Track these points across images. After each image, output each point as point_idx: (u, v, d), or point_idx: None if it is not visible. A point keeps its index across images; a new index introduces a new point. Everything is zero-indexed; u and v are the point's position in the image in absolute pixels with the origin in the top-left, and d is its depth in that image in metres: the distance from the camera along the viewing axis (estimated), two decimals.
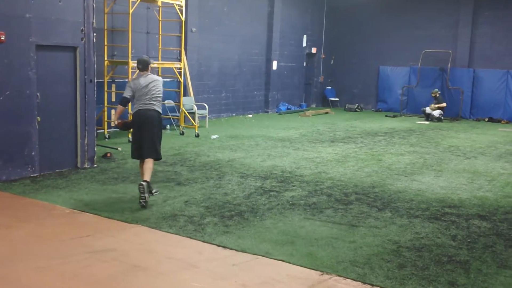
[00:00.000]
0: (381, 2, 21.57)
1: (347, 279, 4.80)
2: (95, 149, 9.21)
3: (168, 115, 13.76)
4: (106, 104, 12.31)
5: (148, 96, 7.13)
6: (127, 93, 7.25)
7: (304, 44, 21.79)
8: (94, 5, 8.87)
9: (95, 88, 9.09)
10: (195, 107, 14.48)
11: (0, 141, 7.76)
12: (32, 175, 8.17)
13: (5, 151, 7.83)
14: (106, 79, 12.39)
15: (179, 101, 13.79)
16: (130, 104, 8.29)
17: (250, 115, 18.62)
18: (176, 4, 12.96)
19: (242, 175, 8.86)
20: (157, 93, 7.20)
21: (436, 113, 18.56)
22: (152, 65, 7.43)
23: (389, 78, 21.58)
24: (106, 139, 12.03)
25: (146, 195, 6.79)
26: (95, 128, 9.35)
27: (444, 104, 18.77)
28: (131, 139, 8.44)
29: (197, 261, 5.12)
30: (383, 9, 21.65)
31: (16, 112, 7.92)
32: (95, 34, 8.96)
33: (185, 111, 13.80)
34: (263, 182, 8.39)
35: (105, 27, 12.36)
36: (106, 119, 12.32)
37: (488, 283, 4.83)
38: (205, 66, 16.62)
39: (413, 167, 10.01)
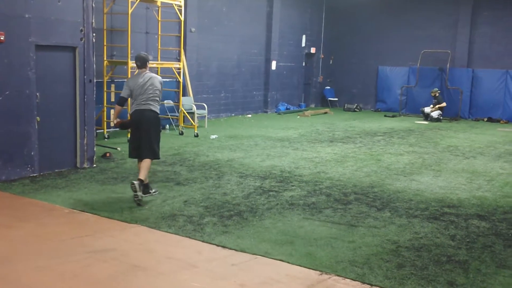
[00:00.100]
0: (380, 2, 21.58)
1: (346, 279, 4.81)
2: (95, 149, 9.21)
3: (167, 115, 13.77)
4: (105, 104, 12.31)
5: (144, 96, 7.10)
6: (124, 93, 7.24)
7: (303, 44, 21.80)
8: (93, 5, 8.87)
9: (95, 88, 9.09)
10: (194, 107, 14.48)
11: None
12: (31, 175, 8.17)
13: (4, 151, 7.83)
14: (106, 79, 12.39)
15: (178, 101, 13.79)
16: (129, 102, 8.28)
17: (249, 115, 18.62)
18: (175, 4, 12.97)
19: (241, 175, 8.87)
20: (154, 93, 7.13)
21: (435, 113, 18.57)
22: (150, 65, 7.40)
23: (388, 78, 21.59)
24: (106, 139, 12.03)
25: (139, 193, 6.81)
26: (95, 128, 9.36)
27: (443, 104, 18.79)
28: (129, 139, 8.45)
29: (197, 261, 5.13)
30: (382, 9, 21.66)
31: (16, 112, 7.92)
32: (94, 34, 8.96)
33: (184, 111, 13.81)
34: (262, 182, 8.40)
35: (105, 27, 12.36)
36: (105, 119, 12.33)
37: (487, 283, 4.84)
38: (204, 66, 16.63)
39: (412, 167, 10.03)
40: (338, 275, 4.88)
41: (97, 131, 11.39)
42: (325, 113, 20.34)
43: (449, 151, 12.03)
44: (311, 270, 4.98)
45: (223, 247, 5.52)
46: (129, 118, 7.56)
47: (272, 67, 19.67)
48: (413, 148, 12.38)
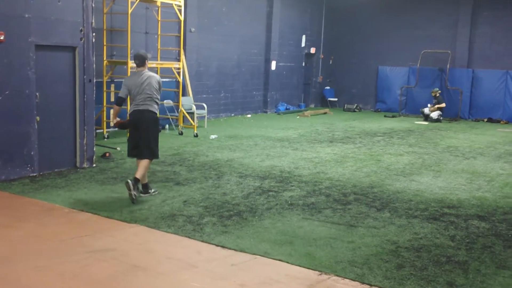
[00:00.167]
0: (380, 2, 21.58)
1: (345, 279, 4.81)
2: (94, 149, 9.21)
3: (167, 115, 13.77)
4: (105, 104, 12.31)
5: (142, 96, 7.08)
6: (122, 92, 7.23)
7: (303, 44, 21.80)
8: (93, 5, 8.87)
9: (94, 88, 9.09)
10: (194, 107, 14.48)
11: None
12: (31, 175, 8.17)
13: (4, 150, 7.83)
14: (105, 79, 12.39)
15: (178, 101, 13.79)
16: (128, 102, 8.29)
17: (249, 115, 18.62)
18: (175, 4, 12.96)
19: (241, 175, 8.87)
20: (151, 92, 7.10)
21: (435, 114, 18.57)
22: (150, 65, 7.39)
23: (388, 78, 21.59)
24: (105, 139, 12.03)
25: (133, 192, 6.84)
26: (94, 128, 9.36)
27: (443, 105, 18.78)
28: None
29: (196, 261, 5.13)
30: (382, 9, 21.66)
31: (16, 112, 7.92)
32: (94, 34, 8.96)
33: (184, 111, 13.80)
34: (262, 182, 8.40)
35: (104, 27, 12.37)
36: (105, 119, 12.33)
37: (487, 283, 4.84)
38: (204, 66, 16.63)
39: (411, 168, 10.03)
40: (337, 275, 4.88)
41: (97, 131, 11.39)
42: (325, 113, 20.34)
43: (449, 152, 12.03)
44: (310, 270, 4.98)
45: (223, 247, 5.52)
46: (128, 118, 7.56)
47: (272, 67, 19.67)
48: (413, 148, 12.38)
